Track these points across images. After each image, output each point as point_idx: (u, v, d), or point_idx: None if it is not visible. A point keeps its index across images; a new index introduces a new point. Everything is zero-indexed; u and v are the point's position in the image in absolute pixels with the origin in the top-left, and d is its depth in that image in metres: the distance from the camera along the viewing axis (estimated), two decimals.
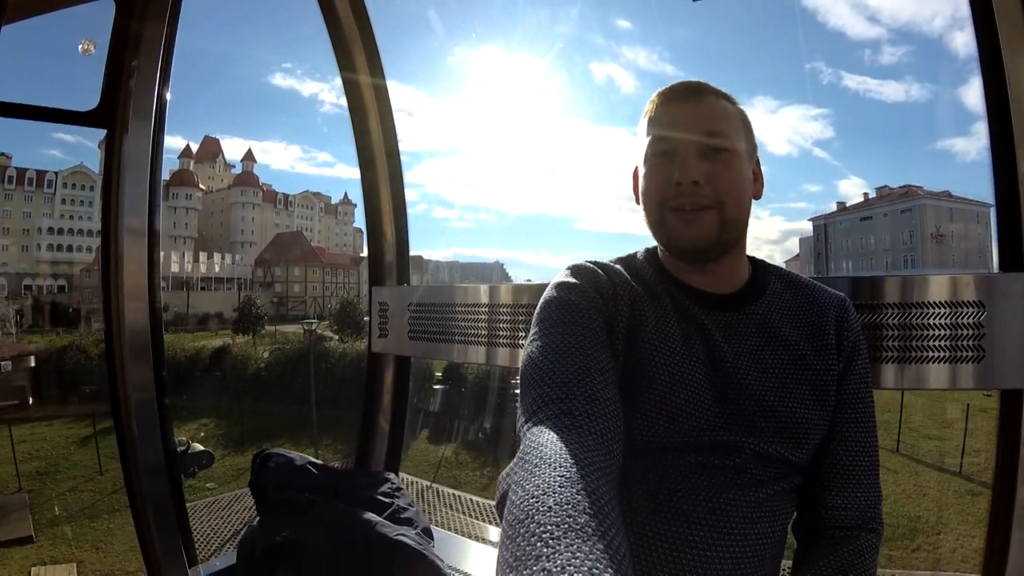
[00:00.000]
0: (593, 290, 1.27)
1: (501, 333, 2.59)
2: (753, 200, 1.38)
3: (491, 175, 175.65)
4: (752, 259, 1.46)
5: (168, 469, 2.45)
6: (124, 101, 2.32)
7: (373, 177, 3.25)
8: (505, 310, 2.56)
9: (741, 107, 1.39)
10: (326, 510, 2.29)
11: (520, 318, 2.48)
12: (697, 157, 1.28)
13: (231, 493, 23.84)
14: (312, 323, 35.21)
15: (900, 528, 17.31)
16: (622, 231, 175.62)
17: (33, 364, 33.72)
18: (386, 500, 2.49)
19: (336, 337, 41.93)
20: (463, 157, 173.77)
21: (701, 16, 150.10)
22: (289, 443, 28.91)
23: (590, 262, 1.37)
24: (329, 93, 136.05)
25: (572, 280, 1.30)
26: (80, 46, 3.55)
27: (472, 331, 2.69)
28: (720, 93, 1.36)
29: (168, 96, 2.44)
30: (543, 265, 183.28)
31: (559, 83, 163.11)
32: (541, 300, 1.30)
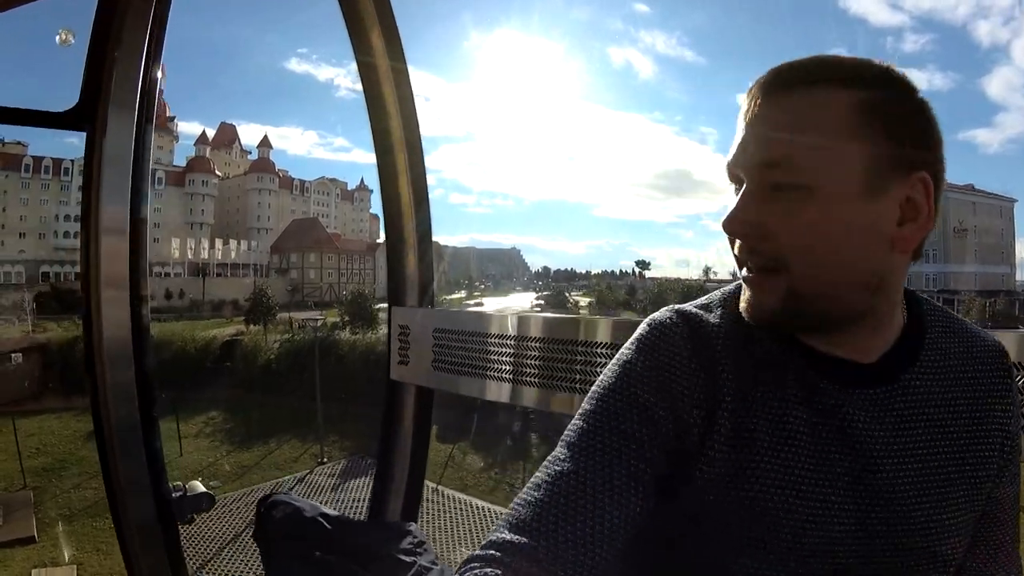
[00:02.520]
0: (673, 377, 0.87)
1: (534, 371, 2.29)
2: (900, 255, 0.88)
3: (508, 161, 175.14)
4: (908, 296, 0.99)
5: (154, 486, 2.38)
6: (105, 97, 2.15)
7: (392, 173, 2.95)
8: (542, 345, 2.26)
9: (892, 95, 0.91)
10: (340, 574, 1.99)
11: (558, 355, 2.17)
12: (758, 192, 0.86)
13: (234, 492, 23.72)
14: (317, 319, 34.82)
15: None
16: (640, 218, 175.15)
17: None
18: (408, 559, 2.16)
19: (347, 329, 41.81)
20: (480, 143, 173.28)
21: (721, 2, 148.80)
22: (295, 439, 28.84)
23: (680, 315, 0.94)
24: (345, 78, 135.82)
25: (644, 360, 0.90)
26: (58, 37, 3.21)
27: (505, 366, 2.40)
28: (829, 80, 0.88)
29: (160, 83, 2.19)
30: (560, 251, 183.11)
31: (576, 68, 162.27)
32: (611, 364, 0.94)
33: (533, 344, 2.27)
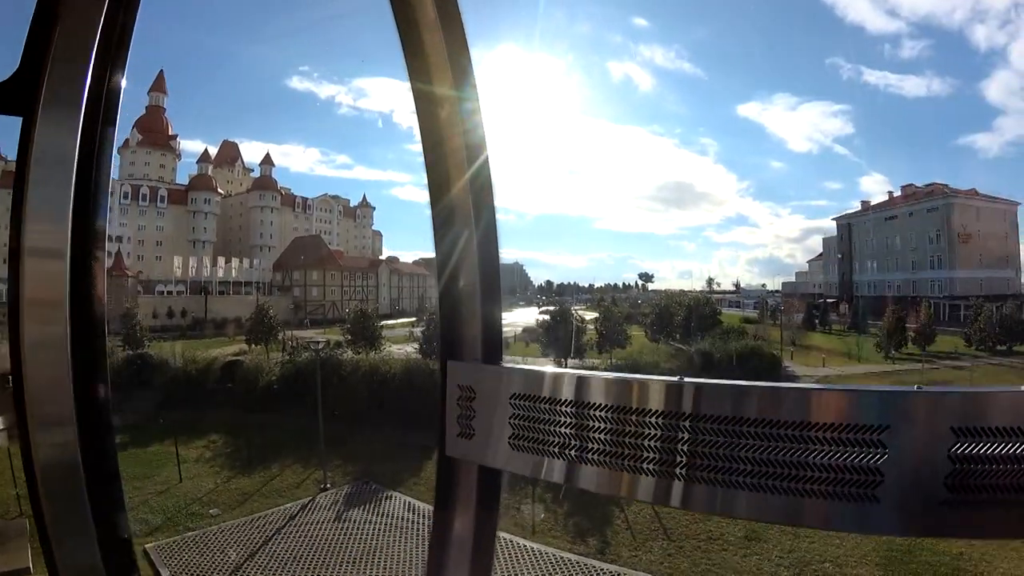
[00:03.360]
0: None
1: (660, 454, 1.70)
2: None
3: (509, 176, 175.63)
4: None
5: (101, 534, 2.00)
6: (42, 82, 1.63)
7: (449, 216, 2.47)
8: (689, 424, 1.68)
9: None
10: None
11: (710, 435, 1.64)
12: None
13: (233, 521, 23.13)
14: (319, 343, 34.32)
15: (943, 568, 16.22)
16: (642, 230, 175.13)
17: None
18: None
19: (349, 349, 41.33)
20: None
21: (718, 14, 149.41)
22: (297, 463, 28.24)
23: None
24: (346, 96, 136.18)
25: None
26: None
27: (620, 447, 1.80)
28: None
29: (121, 82, 1.70)
30: (562, 265, 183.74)
31: (577, 82, 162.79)
32: None
33: (665, 420, 1.74)
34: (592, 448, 1.81)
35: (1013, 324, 58.85)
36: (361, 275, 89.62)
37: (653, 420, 1.69)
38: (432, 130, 2.52)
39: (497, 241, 2.51)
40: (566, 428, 1.88)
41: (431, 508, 2.48)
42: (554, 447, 1.91)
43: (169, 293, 70.40)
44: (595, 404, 1.83)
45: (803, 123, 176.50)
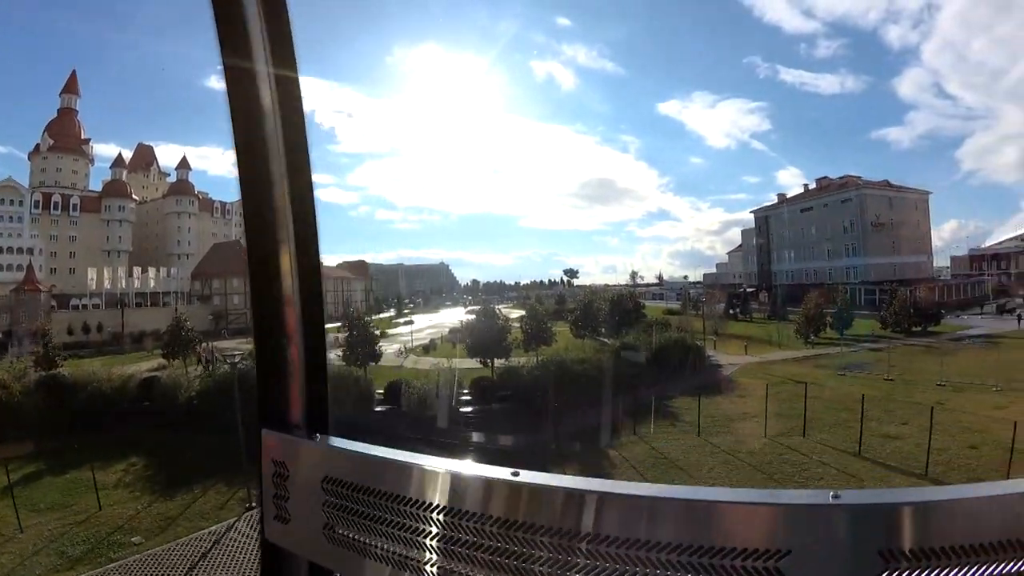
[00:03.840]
0: None
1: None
2: None
3: (434, 176, 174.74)
4: None
5: None
6: None
7: (264, 224, 2.03)
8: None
9: None
10: None
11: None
12: None
13: (156, 549, 22.21)
14: (235, 356, 33.04)
15: None
16: (566, 227, 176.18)
17: None
18: None
19: None
20: (405, 158, 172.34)
21: (639, 14, 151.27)
22: (221, 483, 27.20)
23: None
24: None
25: None
26: None
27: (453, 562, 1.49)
28: None
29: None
30: (489, 264, 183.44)
31: (500, 81, 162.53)
32: None
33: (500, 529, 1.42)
34: (416, 558, 1.52)
35: (926, 307, 61.39)
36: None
37: (491, 529, 1.39)
38: (246, 119, 2.01)
39: (320, 271, 2.17)
40: (387, 527, 1.58)
41: None
42: (375, 548, 1.60)
43: (84, 307, 67.45)
44: (422, 503, 1.53)
45: (721, 120, 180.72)
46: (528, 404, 28.98)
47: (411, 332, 66.54)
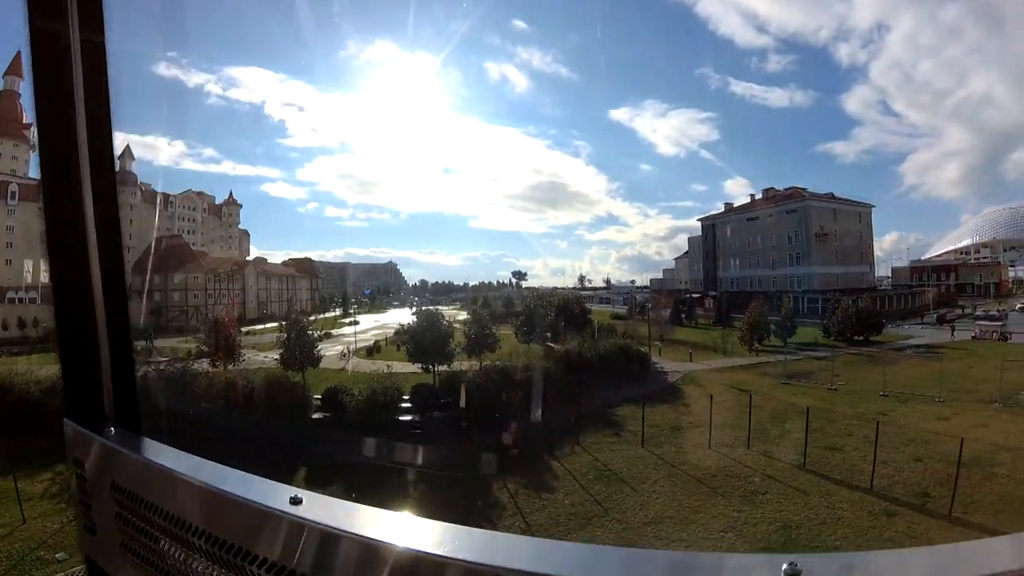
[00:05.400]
0: None
1: None
2: None
3: (384, 173, 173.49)
4: None
5: None
6: None
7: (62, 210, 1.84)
8: None
9: None
10: None
11: None
12: None
13: (80, 567, 20.79)
14: (161, 361, 31.56)
15: None
16: (515, 229, 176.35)
17: None
18: None
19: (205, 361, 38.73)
20: (355, 155, 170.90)
21: (595, 20, 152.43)
22: None
23: None
24: (216, 85, 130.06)
25: None
26: None
27: None
28: None
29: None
30: (437, 264, 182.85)
31: (453, 81, 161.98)
32: None
33: None
34: None
35: (868, 316, 62.33)
36: (226, 277, 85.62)
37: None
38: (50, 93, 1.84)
39: (122, 250, 1.98)
40: (171, 548, 1.42)
41: None
42: (159, 570, 1.45)
43: (21, 301, 64.78)
44: (196, 529, 1.38)
45: (672, 129, 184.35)
46: (469, 413, 28.06)
47: (355, 333, 65.34)
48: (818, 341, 59.60)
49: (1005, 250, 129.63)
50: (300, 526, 1.24)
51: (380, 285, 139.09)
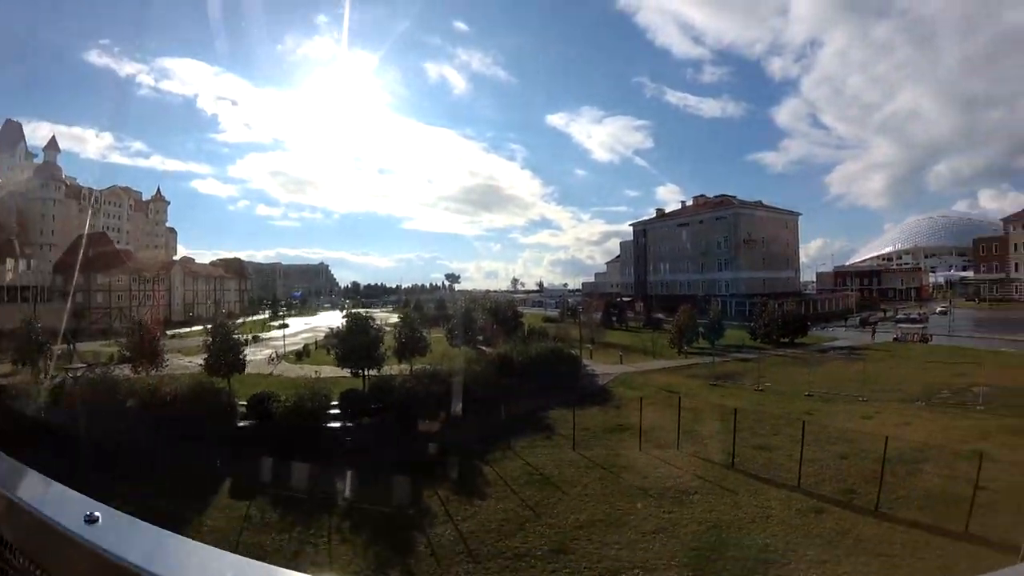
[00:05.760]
0: None
1: None
2: None
3: (318, 172, 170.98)
4: None
5: None
6: None
7: None
8: None
9: None
10: None
11: None
12: None
13: None
14: (78, 369, 29.88)
15: (750, 562, 16.02)
16: (449, 231, 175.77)
17: None
18: None
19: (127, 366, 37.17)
20: (290, 152, 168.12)
21: (536, 25, 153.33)
22: None
23: None
24: (148, 76, 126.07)
25: None
26: None
27: None
28: None
29: None
30: (370, 266, 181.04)
31: (392, 80, 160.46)
32: None
33: None
34: None
35: (794, 319, 63.67)
36: (151, 278, 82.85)
37: None
38: None
39: None
40: None
41: None
42: None
43: None
44: None
45: (607, 135, 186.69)
46: (399, 418, 27.44)
47: (284, 336, 63.90)
48: (745, 343, 60.64)
49: (926, 256, 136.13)
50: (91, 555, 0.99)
51: (311, 287, 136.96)
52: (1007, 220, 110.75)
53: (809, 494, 20.42)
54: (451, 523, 19.17)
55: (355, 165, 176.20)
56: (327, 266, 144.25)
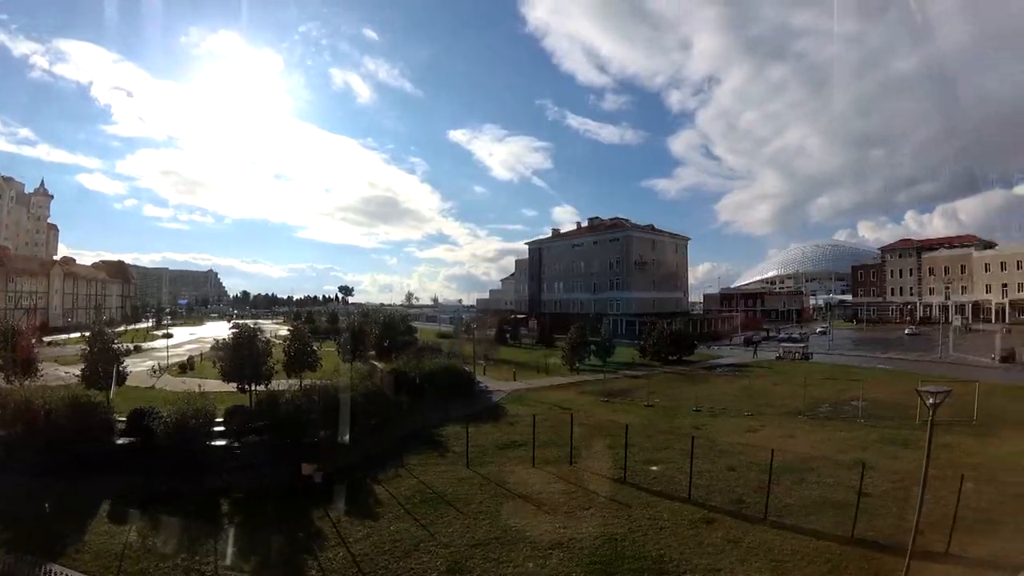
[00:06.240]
0: None
1: None
2: None
3: (211, 173, 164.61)
4: None
5: None
6: None
7: None
8: None
9: None
10: None
11: None
12: None
13: None
14: None
15: (646, 572, 15.98)
16: (345, 242, 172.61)
17: None
18: None
19: None
20: (183, 150, 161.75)
21: (446, 40, 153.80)
22: None
23: None
24: (43, 57, 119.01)
25: None
26: None
27: None
28: None
29: None
30: (261, 274, 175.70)
31: (296, 83, 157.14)
32: None
33: None
34: None
35: (681, 338, 65.48)
36: (29, 278, 77.80)
37: None
38: None
39: None
40: None
41: None
42: None
43: None
44: None
45: (508, 154, 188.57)
46: (288, 436, 26.32)
47: (167, 347, 61.26)
48: (635, 361, 62.03)
49: (807, 281, 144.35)
50: None
51: (199, 295, 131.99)
52: (884, 249, 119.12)
53: (700, 505, 20.66)
54: (343, 545, 18.38)
55: (251, 168, 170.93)
56: (216, 273, 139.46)
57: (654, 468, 25.01)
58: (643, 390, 44.01)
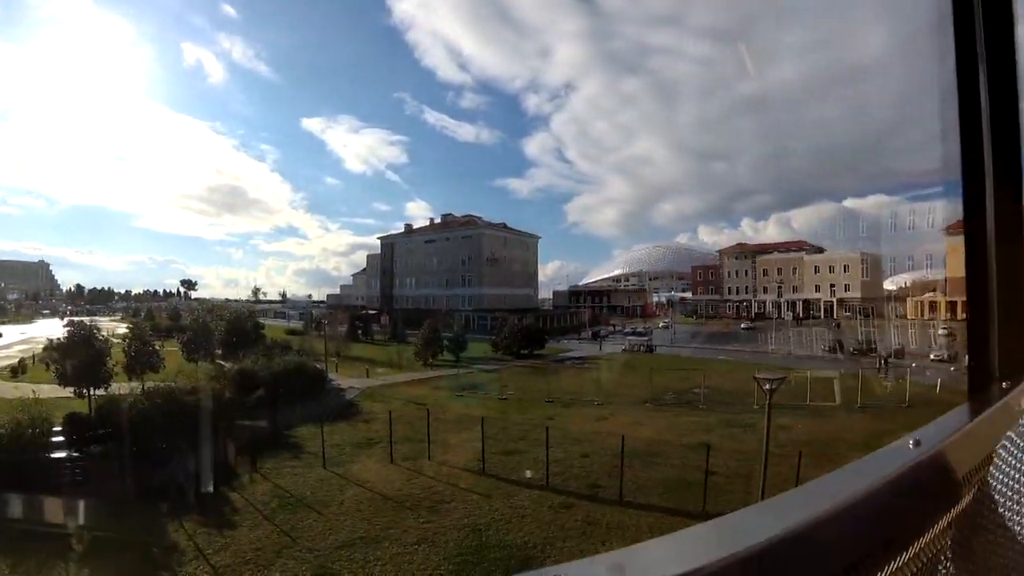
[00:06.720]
0: None
1: None
2: None
3: (42, 149, 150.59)
4: None
5: None
6: None
7: None
8: None
9: None
10: None
11: None
12: None
13: None
14: None
15: (513, 560, 16.31)
16: (187, 233, 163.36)
17: None
18: None
19: None
20: (8, 121, 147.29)
21: (306, 25, 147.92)
22: None
23: None
24: None
25: None
26: None
27: None
28: None
29: None
30: (97, 266, 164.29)
31: (143, 56, 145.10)
32: None
33: None
34: None
35: (532, 333, 66.67)
36: None
37: None
38: None
39: None
40: None
41: None
42: None
43: None
44: None
45: (363, 146, 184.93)
46: (132, 444, 24.84)
47: None
48: (488, 355, 62.54)
49: (650, 279, 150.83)
50: None
51: (28, 289, 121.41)
52: (721, 251, 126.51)
53: (558, 491, 21.28)
54: (202, 558, 17.64)
55: (88, 146, 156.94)
56: (47, 264, 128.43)
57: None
58: (496, 384, 44.63)
